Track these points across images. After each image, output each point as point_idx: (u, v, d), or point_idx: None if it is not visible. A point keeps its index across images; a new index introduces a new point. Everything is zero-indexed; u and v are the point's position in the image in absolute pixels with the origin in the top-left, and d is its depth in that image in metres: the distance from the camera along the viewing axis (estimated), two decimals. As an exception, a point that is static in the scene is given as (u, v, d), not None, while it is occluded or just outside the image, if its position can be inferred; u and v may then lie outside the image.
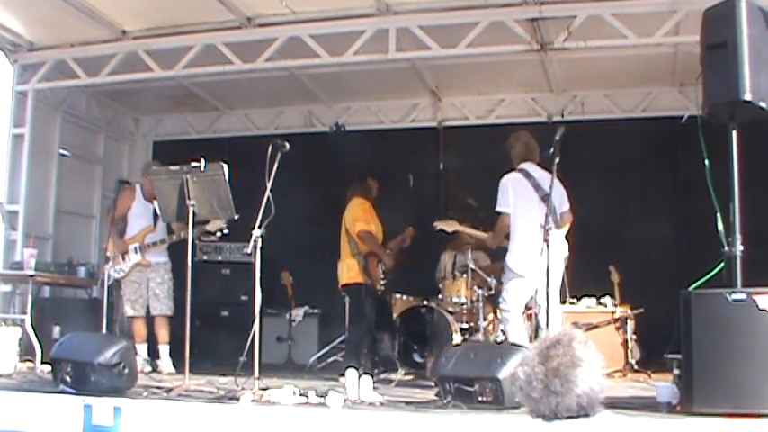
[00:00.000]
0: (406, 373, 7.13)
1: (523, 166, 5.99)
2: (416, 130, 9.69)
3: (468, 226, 6.81)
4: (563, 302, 6.80)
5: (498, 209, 5.91)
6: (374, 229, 6.72)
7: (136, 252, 7.19)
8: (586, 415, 2.14)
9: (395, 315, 7.46)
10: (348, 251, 6.70)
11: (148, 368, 6.92)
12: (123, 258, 7.21)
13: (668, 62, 8.00)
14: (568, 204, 6.01)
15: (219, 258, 9.09)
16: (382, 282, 6.83)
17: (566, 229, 6.03)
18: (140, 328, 7.21)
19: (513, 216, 5.84)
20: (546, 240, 5.13)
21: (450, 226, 6.77)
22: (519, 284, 5.83)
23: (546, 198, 5.48)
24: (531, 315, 6.55)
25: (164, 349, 7.12)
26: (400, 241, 7.00)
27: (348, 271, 6.71)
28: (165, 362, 7.06)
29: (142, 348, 7.14)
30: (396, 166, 8.88)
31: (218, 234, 6.99)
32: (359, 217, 6.71)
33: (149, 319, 7.23)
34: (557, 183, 5.40)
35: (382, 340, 6.99)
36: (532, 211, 5.68)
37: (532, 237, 5.52)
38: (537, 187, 5.79)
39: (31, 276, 7.21)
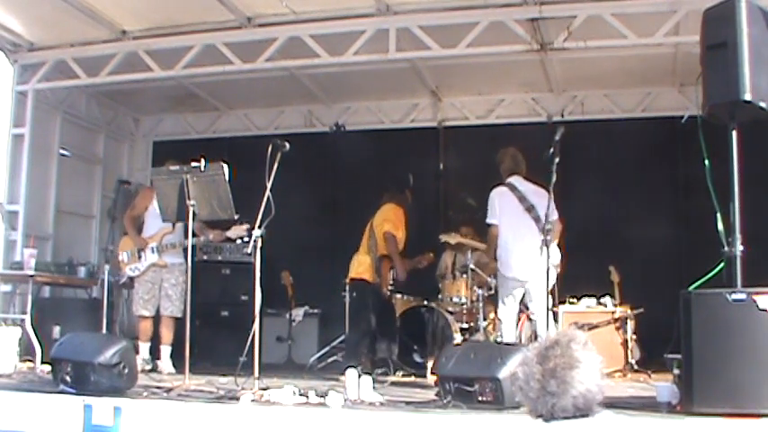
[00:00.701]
0: (404, 375, 7.12)
1: (510, 179, 6.34)
2: (416, 130, 9.69)
3: (468, 235, 7.30)
4: (561, 303, 6.93)
5: (487, 221, 6.33)
6: (400, 236, 6.85)
7: (153, 252, 7.15)
8: (584, 416, 2.13)
9: (395, 315, 7.47)
10: (366, 247, 6.84)
11: (148, 367, 6.91)
12: (140, 257, 7.18)
13: (668, 62, 7.99)
14: (556, 214, 6.13)
15: (219, 258, 9.06)
16: (390, 285, 6.89)
17: (556, 237, 6.11)
18: (147, 327, 7.19)
19: (500, 226, 6.23)
20: (545, 241, 5.30)
21: (453, 238, 7.19)
22: (507, 288, 6.21)
23: (531, 209, 6.08)
24: (529, 316, 6.56)
25: (165, 350, 7.09)
26: (416, 262, 7.12)
27: (358, 266, 6.84)
28: (166, 362, 7.03)
29: (144, 347, 7.13)
30: (396, 166, 8.88)
31: (239, 241, 6.97)
32: (390, 218, 6.92)
33: (156, 319, 7.20)
34: (543, 192, 5.68)
35: (381, 342, 7.01)
36: (517, 221, 6.12)
37: (517, 244, 6.06)
38: (522, 199, 6.20)
39: (31, 276, 7.21)
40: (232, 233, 6.97)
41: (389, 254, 6.82)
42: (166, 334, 7.10)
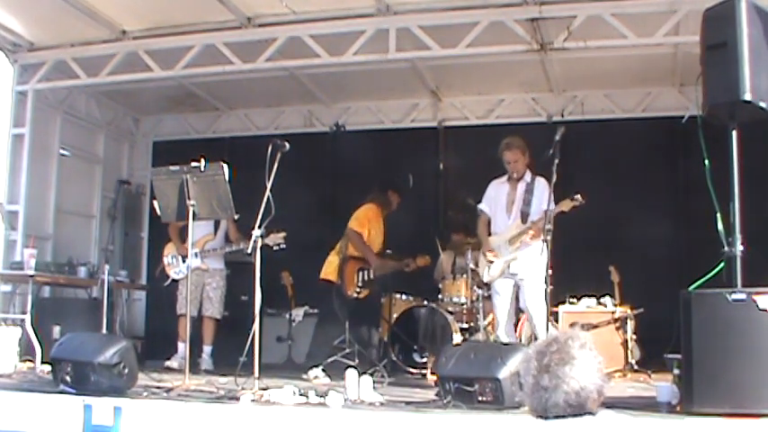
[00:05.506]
0: (387, 375, 7.08)
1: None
2: (416, 130, 9.68)
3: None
4: (561, 303, 6.94)
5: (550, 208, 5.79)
6: (366, 234, 6.86)
7: (196, 257, 7.29)
8: (577, 414, 2.14)
9: (395, 315, 7.47)
10: (337, 248, 6.87)
11: (176, 365, 7.02)
12: (183, 261, 7.44)
13: (668, 62, 7.99)
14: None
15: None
16: (358, 288, 6.90)
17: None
18: (185, 327, 7.26)
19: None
20: (546, 241, 5.31)
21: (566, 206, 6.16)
22: None
23: None
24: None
25: (206, 349, 7.44)
26: (401, 264, 7.12)
27: (326, 267, 7.00)
28: (206, 360, 7.35)
29: (182, 347, 7.20)
30: (396, 166, 8.88)
31: (275, 248, 6.94)
32: (358, 216, 6.96)
33: (198, 320, 7.41)
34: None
35: (361, 344, 7.03)
36: None
37: None
38: None
39: (31, 276, 7.22)
40: (270, 240, 6.95)
41: (356, 247, 6.87)
42: (207, 334, 7.47)
